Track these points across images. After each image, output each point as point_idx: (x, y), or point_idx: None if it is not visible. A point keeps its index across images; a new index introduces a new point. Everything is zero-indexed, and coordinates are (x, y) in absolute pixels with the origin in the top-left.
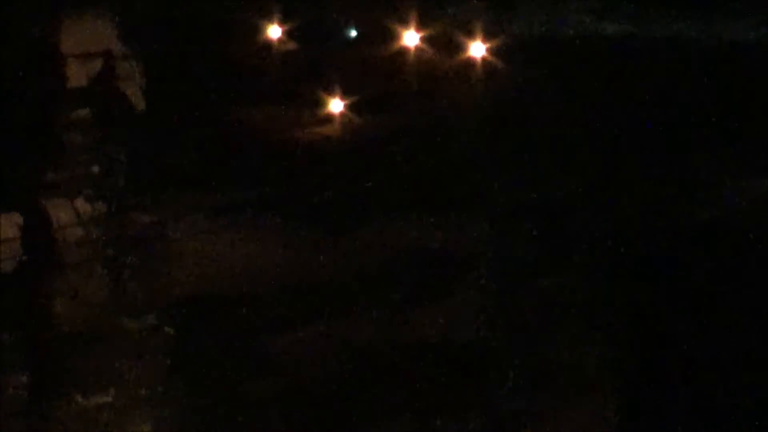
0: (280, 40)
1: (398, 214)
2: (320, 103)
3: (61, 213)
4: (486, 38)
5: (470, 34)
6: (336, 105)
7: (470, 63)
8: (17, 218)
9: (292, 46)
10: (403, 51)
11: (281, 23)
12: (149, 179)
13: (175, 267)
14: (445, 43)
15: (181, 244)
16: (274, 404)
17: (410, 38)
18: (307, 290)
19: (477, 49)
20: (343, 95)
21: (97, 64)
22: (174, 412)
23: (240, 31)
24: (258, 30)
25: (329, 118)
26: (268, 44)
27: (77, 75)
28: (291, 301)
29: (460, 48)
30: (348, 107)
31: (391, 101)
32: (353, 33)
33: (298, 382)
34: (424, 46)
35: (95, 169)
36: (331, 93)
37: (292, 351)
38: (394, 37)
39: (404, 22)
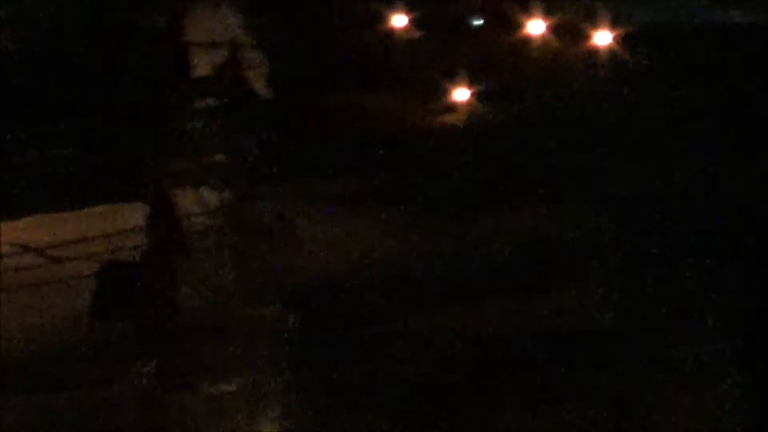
0: (405, 28)
1: (522, 202)
2: (445, 92)
3: (186, 202)
4: (611, 27)
5: (595, 23)
6: (461, 93)
7: (595, 51)
8: (143, 207)
9: (417, 34)
10: (528, 39)
11: (407, 12)
12: (274, 168)
13: (301, 255)
14: (570, 31)
15: (306, 233)
16: (397, 391)
17: (535, 27)
18: (430, 278)
19: (602, 38)
20: (469, 84)
21: (223, 53)
22: (300, 400)
23: (366, 19)
24: (384, 18)
25: (454, 107)
26: (393, 33)
27: (203, 64)
28: (414, 289)
29: (586, 37)
30: (473, 96)
31: (515, 89)
32: (478, 22)
33: (421, 370)
34: (550, 34)
35: (220, 157)
36: (456, 81)
37: (415, 339)
38: (519, 25)
39: (529, 11)
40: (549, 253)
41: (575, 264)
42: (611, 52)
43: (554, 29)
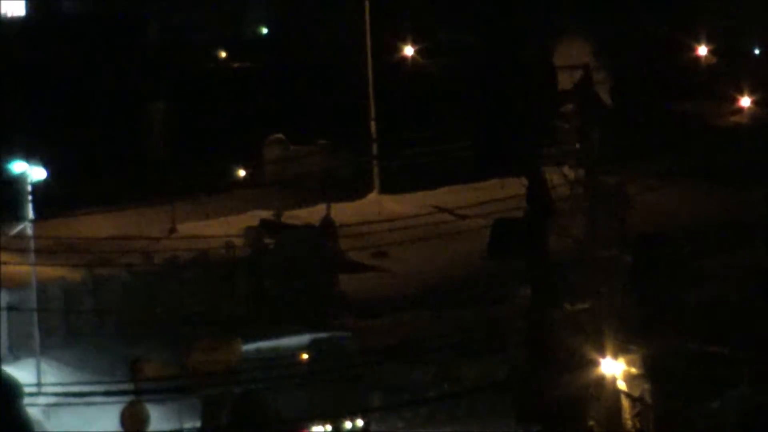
0: (706, 57)
1: None
2: (734, 100)
3: (554, 176)
4: None
5: None
6: (744, 100)
7: None
8: (524, 180)
9: (714, 59)
10: None
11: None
12: (615, 152)
13: (631, 214)
14: None
15: (637, 197)
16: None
17: None
18: (728, 228)
19: None
20: (750, 93)
21: (579, 73)
22: (626, 318)
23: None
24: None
25: (740, 110)
26: (698, 59)
27: (565, 81)
28: (715, 236)
29: None
30: (754, 102)
31: None
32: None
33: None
34: None
35: (577, 146)
36: (741, 92)
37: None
38: None
39: None
40: None
41: None
42: None
43: None
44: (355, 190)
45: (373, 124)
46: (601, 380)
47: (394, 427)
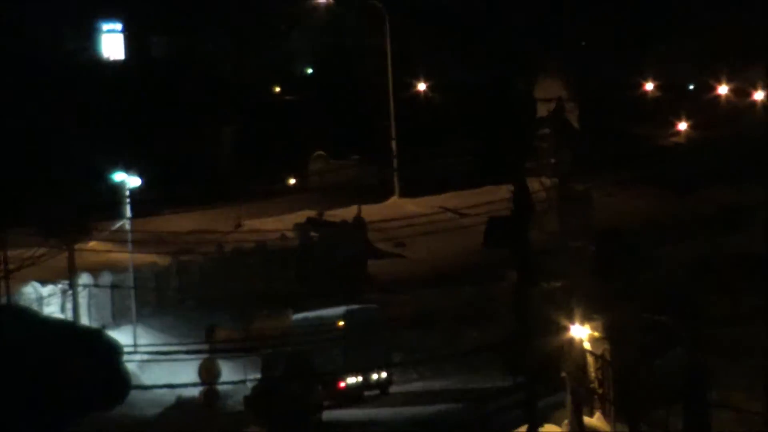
0: (652, 91)
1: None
2: (673, 125)
3: (534, 184)
4: None
5: None
6: (681, 125)
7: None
8: (511, 187)
9: (660, 95)
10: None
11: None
12: (582, 166)
13: (596, 212)
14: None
15: (599, 200)
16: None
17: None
18: (672, 226)
19: None
20: (686, 119)
21: (553, 104)
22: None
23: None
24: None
25: (677, 132)
26: (646, 94)
27: (542, 110)
28: (658, 233)
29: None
30: (689, 126)
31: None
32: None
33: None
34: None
35: (552, 160)
36: (679, 118)
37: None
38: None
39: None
40: None
41: None
42: None
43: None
44: (380, 194)
45: (393, 143)
46: (570, 342)
47: (411, 379)
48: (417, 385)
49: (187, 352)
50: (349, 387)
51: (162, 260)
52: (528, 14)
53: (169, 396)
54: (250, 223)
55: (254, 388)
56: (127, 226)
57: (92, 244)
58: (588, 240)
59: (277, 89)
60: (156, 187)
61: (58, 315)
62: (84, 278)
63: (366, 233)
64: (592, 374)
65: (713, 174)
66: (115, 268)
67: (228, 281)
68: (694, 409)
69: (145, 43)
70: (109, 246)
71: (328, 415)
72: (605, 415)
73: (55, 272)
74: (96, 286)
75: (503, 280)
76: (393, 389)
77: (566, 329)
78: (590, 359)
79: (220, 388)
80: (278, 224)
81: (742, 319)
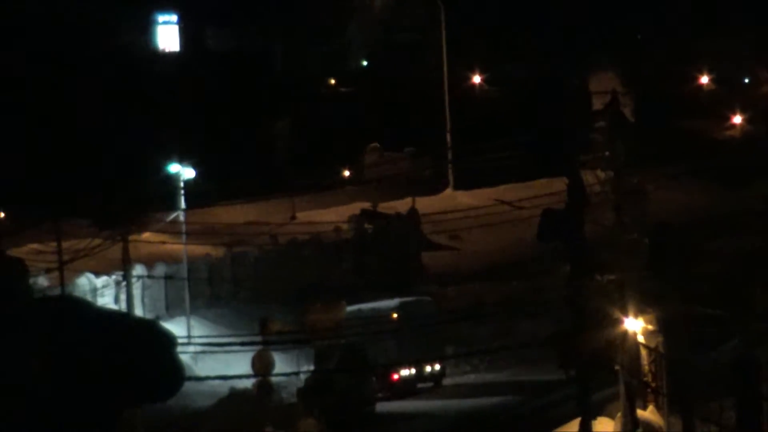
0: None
1: None
2: (727, 117)
3: (588, 177)
4: None
5: None
6: (737, 118)
7: None
8: (566, 180)
9: (713, 87)
10: None
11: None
12: (636, 158)
13: (650, 205)
14: None
15: (654, 194)
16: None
17: None
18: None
19: None
20: (741, 112)
21: (608, 97)
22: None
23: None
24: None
25: (733, 126)
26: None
27: (597, 103)
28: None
29: None
30: (744, 119)
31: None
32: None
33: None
34: None
35: (606, 153)
36: (734, 112)
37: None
38: None
39: None
40: None
41: None
42: None
43: None
44: (434, 186)
45: (448, 135)
46: (624, 335)
47: (464, 371)
48: (470, 378)
49: (240, 344)
50: (402, 379)
51: (216, 252)
52: (584, 7)
53: (223, 387)
54: (304, 215)
55: (308, 380)
56: (182, 218)
57: (146, 235)
58: (642, 233)
59: (332, 82)
60: (210, 179)
61: (112, 306)
62: (138, 269)
63: (420, 225)
64: (646, 367)
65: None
66: (168, 259)
67: (282, 273)
68: (747, 403)
69: (201, 35)
70: (163, 237)
71: (381, 407)
72: (658, 408)
73: (109, 263)
74: (150, 277)
75: (557, 273)
76: (446, 381)
77: (620, 322)
78: (644, 352)
79: (273, 379)
80: (332, 216)
81: None
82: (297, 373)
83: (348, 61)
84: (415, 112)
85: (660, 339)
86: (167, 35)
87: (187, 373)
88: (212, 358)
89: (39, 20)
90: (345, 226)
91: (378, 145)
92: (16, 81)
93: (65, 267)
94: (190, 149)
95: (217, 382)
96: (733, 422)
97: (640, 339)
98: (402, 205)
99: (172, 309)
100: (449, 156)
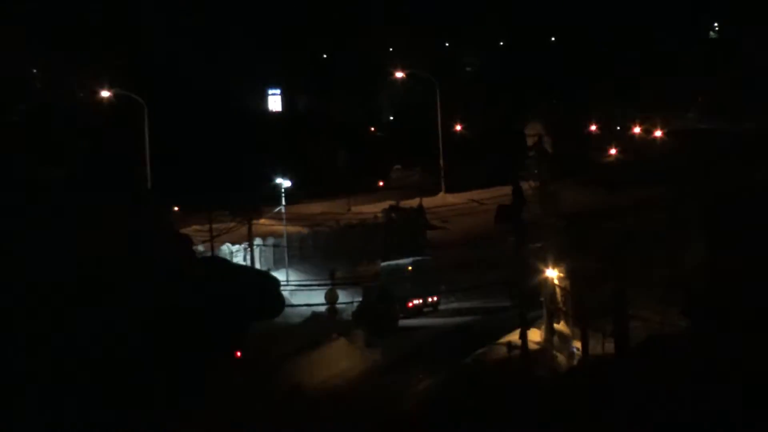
0: (595, 130)
1: None
2: (606, 150)
3: (525, 185)
4: None
5: None
6: (612, 150)
7: None
8: (511, 187)
9: (599, 131)
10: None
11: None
12: (554, 174)
13: (562, 202)
14: None
15: (564, 195)
16: None
17: None
18: (600, 210)
19: None
20: (615, 146)
21: (536, 138)
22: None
23: None
24: None
25: (610, 155)
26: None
27: (530, 141)
28: (596, 213)
29: None
30: (617, 151)
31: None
32: None
33: None
34: None
35: (535, 171)
36: (611, 147)
37: None
38: None
39: None
40: None
41: None
42: None
43: None
44: (433, 191)
45: (441, 160)
46: (546, 279)
47: (451, 301)
48: (454, 305)
49: (318, 285)
50: (414, 306)
51: (303, 230)
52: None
53: (307, 311)
54: (355, 208)
55: (358, 307)
56: (282, 210)
57: (262, 220)
58: (557, 219)
59: (372, 128)
60: (299, 186)
61: (242, 263)
62: (257, 241)
63: (425, 215)
64: (559, 299)
65: (631, 179)
66: (275, 234)
67: (342, 243)
68: (619, 319)
69: (294, 101)
70: (271, 221)
71: (402, 322)
72: (567, 323)
73: (240, 237)
74: (264, 245)
75: (507, 243)
76: (440, 307)
77: (544, 272)
78: (558, 290)
79: (338, 307)
80: (373, 209)
81: (647, 266)
82: (351, 303)
83: (381, 115)
84: (422, 146)
85: (567, 282)
86: (274, 101)
87: (286, 302)
88: (301, 293)
89: (200, 92)
90: (380, 215)
91: (399, 166)
92: (187, 129)
93: (214, 239)
94: (287, 169)
95: (304, 307)
96: (610, 331)
97: (556, 282)
98: (414, 203)
99: (277, 264)
100: (441, 173)
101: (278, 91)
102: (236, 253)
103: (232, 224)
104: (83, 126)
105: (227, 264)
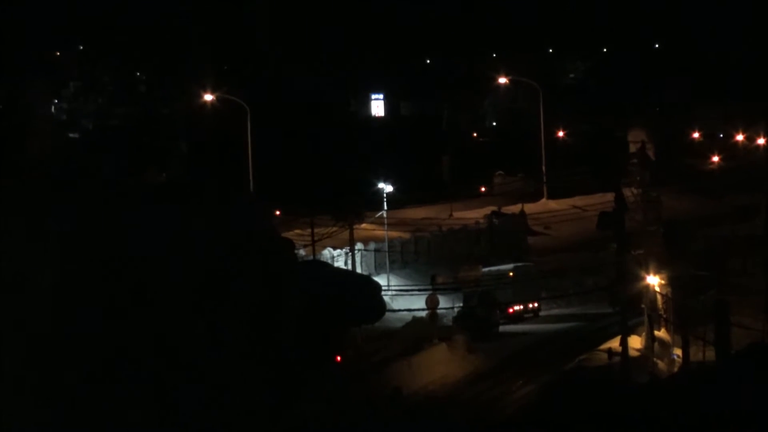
0: (698, 138)
1: None
2: (709, 157)
3: (627, 192)
4: None
5: None
6: (714, 158)
7: None
8: (612, 194)
9: (701, 138)
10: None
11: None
12: (656, 181)
13: (663, 209)
14: None
15: (666, 202)
16: None
17: None
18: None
19: None
20: (718, 154)
21: (639, 144)
22: None
23: None
24: None
25: (713, 162)
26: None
27: (632, 148)
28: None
29: None
30: (720, 159)
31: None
32: None
33: None
34: None
35: (638, 178)
36: (713, 153)
37: None
38: None
39: None
40: None
41: None
42: None
43: None
44: (535, 197)
45: (543, 167)
46: (647, 286)
47: (552, 307)
48: (555, 311)
49: (419, 290)
50: (515, 312)
51: (405, 235)
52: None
53: (408, 316)
54: (458, 214)
55: (459, 312)
56: (384, 215)
57: (364, 225)
58: (658, 226)
59: (475, 134)
60: (401, 192)
61: (343, 267)
62: (358, 245)
63: (526, 220)
64: (660, 305)
65: (733, 187)
66: (376, 239)
67: (444, 248)
68: (720, 326)
69: (397, 106)
70: (373, 226)
71: (503, 328)
72: (667, 330)
73: (341, 242)
74: (365, 250)
75: (609, 249)
76: (541, 313)
77: (645, 278)
78: (659, 297)
79: (438, 312)
80: (474, 214)
81: (748, 273)
82: (452, 308)
83: (485, 122)
84: (524, 152)
85: (669, 289)
86: (377, 106)
87: (387, 307)
88: (402, 298)
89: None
90: (482, 221)
91: (502, 172)
92: (290, 133)
93: (316, 243)
94: (389, 174)
95: (404, 312)
96: (711, 338)
97: (657, 289)
98: (516, 209)
99: (378, 269)
100: (544, 179)
101: (381, 96)
102: (337, 258)
103: (334, 228)
104: (186, 130)
105: (329, 267)
